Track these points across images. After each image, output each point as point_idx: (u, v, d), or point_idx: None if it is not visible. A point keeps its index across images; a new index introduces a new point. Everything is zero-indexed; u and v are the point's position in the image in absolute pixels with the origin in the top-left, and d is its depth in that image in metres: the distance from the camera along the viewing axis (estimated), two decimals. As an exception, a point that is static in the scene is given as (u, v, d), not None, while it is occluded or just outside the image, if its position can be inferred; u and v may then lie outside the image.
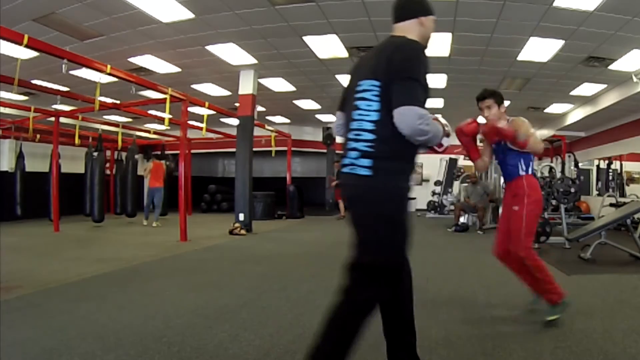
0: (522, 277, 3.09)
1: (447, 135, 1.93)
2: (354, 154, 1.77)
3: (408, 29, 1.91)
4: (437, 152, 2.05)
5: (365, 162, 1.74)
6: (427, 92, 1.79)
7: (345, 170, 1.82)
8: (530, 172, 2.98)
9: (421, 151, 1.93)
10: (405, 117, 1.65)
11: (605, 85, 8.95)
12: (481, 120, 2.98)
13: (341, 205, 12.21)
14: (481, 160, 3.10)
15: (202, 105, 8.75)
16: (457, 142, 2.92)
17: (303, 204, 12.58)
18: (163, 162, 10.11)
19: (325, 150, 14.60)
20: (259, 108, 10.65)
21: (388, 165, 1.74)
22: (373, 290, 1.76)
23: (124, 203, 10.83)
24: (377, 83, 1.77)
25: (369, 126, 1.76)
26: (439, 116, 1.96)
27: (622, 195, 10.69)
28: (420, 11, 1.94)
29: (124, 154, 11.21)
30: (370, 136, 1.75)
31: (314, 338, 1.75)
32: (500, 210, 3.19)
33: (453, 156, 14.17)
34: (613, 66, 7.48)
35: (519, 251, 2.90)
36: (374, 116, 1.75)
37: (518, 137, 2.81)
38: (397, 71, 1.72)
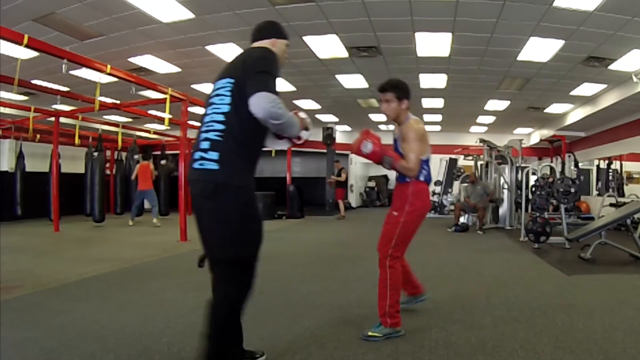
0: (379, 291, 2.77)
1: (306, 129, 2.06)
2: (205, 144, 1.86)
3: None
4: (296, 145, 2.13)
5: (214, 155, 1.82)
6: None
7: (195, 165, 1.88)
8: (422, 178, 2.76)
9: (286, 146, 2.10)
10: (259, 101, 1.77)
11: (605, 85, 8.95)
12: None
13: (341, 205, 12.21)
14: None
15: (202, 106, 8.73)
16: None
17: (303, 204, 12.58)
18: (152, 163, 10.02)
19: (325, 150, 14.60)
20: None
21: (234, 159, 1.84)
22: (240, 283, 1.86)
23: (125, 203, 10.82)
24: (231, 80, 1.92)
25: (220, 117, 1.88)
26: (301, 113, 2.08)
27: (622, 195, 10.68)
28: (274, 34, 2.14)
29: (124, 154, 11.20)
30: (220, 126, 1.86)
31: (203, 339, 1.84)
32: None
33: (453, 156, 14.19)
34: (613, 66, 7.48)
35: (384, 257, 2.67)
36: (225, 108, 1.88)
37: (383, 163, 2.68)
38: (252, 67, 1.87)
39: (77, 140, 9.47)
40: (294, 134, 1.98)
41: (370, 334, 2.61)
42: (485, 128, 15.36)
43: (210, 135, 1.86)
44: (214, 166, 1.82)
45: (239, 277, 1.86)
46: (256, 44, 2.11)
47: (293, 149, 14.10)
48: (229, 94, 1.89)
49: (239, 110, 1.86)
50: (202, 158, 1.85)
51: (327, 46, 7.21)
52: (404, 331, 2.67)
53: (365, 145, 2.64)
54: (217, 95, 1.93)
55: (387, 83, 2.80)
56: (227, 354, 1.86)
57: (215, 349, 1.82)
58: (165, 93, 7.11)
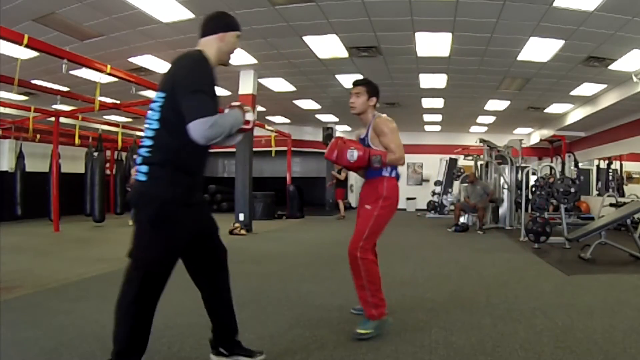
0: (356, 283, 2.80)
1: (248, 111, 2.05)
2: (138, 159, 1.93)
3: (207, 44, 2.02)
4: (247, 130, 2.11)
5: (143, 168, 1.89)
6: (214, 97, 1.91)
7: (133, 176, 1.99)
8: (393, 174, 2.84)
9: (238, 138, 2.11)
10: (197, 130, 1.78)
11: (605, 85, 8.95)
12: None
13: (341, 205, 12.22)
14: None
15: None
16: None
17: (303, 204, 12.59)
18: None
19: (325, 151, 14.60)
20: (259, 108, 10.66)
21: (161, 173, 1.88)
22: (132, 284, 1.93)
23: (125, 203, 10.82)
24: (162, 95, 1.91)
25: (151, 134, 1.91)
26: (234, 103, 2.09)
27: (622, 195, 10.68)
28: (221, 27, 2.05)
29: (124, 154, 11.20)
30: (149, 142, 1.90)
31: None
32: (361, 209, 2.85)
33: (453, 156, 14.19)
34: (613, 66, 7.48)
35: (354, 250, 2.69)
36: (155, 125, 1.91)
37: (371, 164, 2.71)
38: (181, 85, 1.84)
39: (77, 140, 9.47)
40: (237, 128, 2.00)
41: (360, 331, 2.61)
42: (485, 128, 15.35)
43: (142, 151, 1.92)
44: (142, 178, 1.89)
45: (135, 279, 1.92)
46: (203, 40, 2.05)
47: (293, 149, 14.14)
48: (158, 109, 1.91)
49: (168, 126, 1.88)
50: (137, 171, 1.93)
51: (327, 46, 7.21)
52: (391, 319, 2.72)
53: (351, 155, 2.72)
54: (151, 109, 1.95)
55: (361, 79, 2.98)
56: (125, 347, 1.95)
57: (114, 338, 1.96)
58: (165, 93, 7.10)
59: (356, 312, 3.08)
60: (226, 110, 2.03)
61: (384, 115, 2.91)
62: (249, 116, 2.05)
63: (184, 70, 1.89)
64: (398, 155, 2.76)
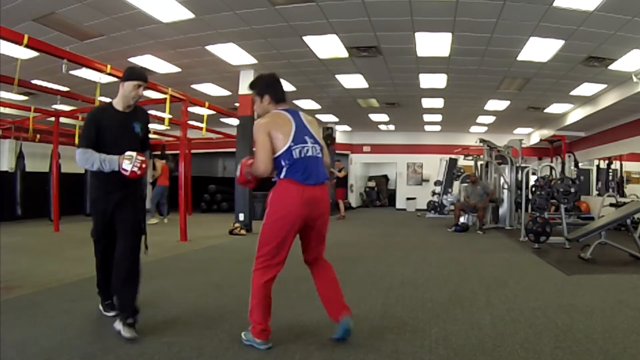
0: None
1: (126, 158, 2.67)
2: None
3: (119, 89, 2.83)
4: (131, 176, 2.69)
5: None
6: (97, 134, 2.71)
7: None
8: (283, 175, 2.45)
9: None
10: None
11: (605, 85, 8.95)
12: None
13: (341, 205, 12.22)
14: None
15: (202, 105, 8.74)
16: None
17: (303, 204, 12.56)
18: (163, 161, 10.16)
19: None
20: (259, 108, 10.61)
21: (90, 183, 3.10)
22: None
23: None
24: None
25: None
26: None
27: (622, 195, 10.68)
28: (123, 78, 2.84)
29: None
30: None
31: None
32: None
33: (453, 156, 14.20)
34: (613, 66, 7.48)
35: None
36: None
37: (247, 176, 2.52)
38: None
39: (77, 141, 9.46)
40: (107, 167, 2.65)
41: (242, 334, 2.56)
42: (485, 128, 15.35)
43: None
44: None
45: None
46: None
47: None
48: None
49: None
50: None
51: (327, 46, 7.21)
52: (265, 347, 2.44)
53: (245, 171, 2.51)
54: None
55: (250, 82, 2.66)
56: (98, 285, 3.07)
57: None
58: (165, 93, 7.11)
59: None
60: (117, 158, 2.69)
61: (267, 115, 2.51)
62: (125, 165, 2.65)
63: None
64: (256, 164, 2.44)
